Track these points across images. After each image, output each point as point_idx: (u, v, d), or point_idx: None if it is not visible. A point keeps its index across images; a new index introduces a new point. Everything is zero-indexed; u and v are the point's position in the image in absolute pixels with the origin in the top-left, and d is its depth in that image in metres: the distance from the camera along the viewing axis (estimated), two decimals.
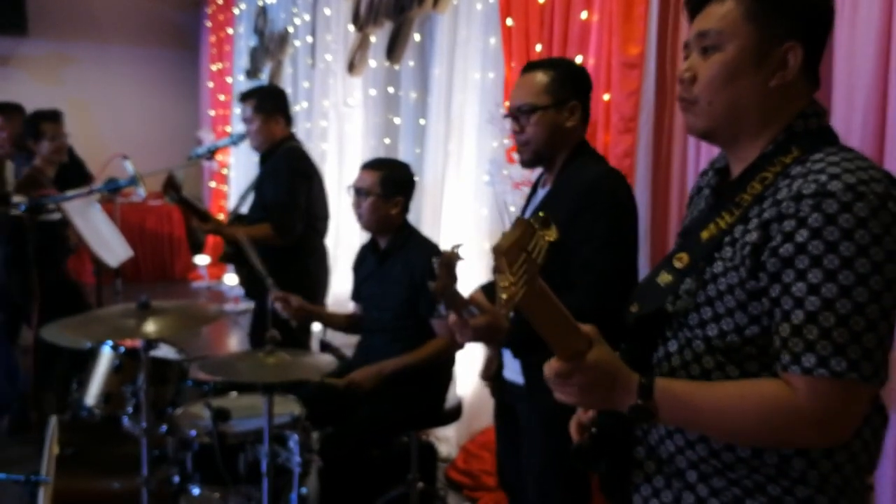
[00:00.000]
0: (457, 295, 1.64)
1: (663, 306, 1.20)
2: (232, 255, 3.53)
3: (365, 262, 2.92)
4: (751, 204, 1.13)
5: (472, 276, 3.49)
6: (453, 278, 1.58)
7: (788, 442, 1.09)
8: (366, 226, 2.79)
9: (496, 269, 0.95)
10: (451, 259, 1.56)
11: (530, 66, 2.07)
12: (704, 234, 1.17)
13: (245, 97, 3.58)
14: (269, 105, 3.51)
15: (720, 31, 1.15)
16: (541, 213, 1.00)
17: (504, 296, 0.93)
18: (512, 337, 1.77)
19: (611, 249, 1.88)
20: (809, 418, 1.04)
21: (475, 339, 1.70)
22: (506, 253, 0.94)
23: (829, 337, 1.01)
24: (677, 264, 1.19)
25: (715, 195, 1.28)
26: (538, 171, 2.99)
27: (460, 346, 2.76)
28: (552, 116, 1.98)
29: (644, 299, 1.24)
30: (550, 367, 1.09)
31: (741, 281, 1.10)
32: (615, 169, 2.11)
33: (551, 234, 0.98)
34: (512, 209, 3.47)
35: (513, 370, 2.04)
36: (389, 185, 2.72)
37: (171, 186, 3.34)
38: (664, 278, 1.20)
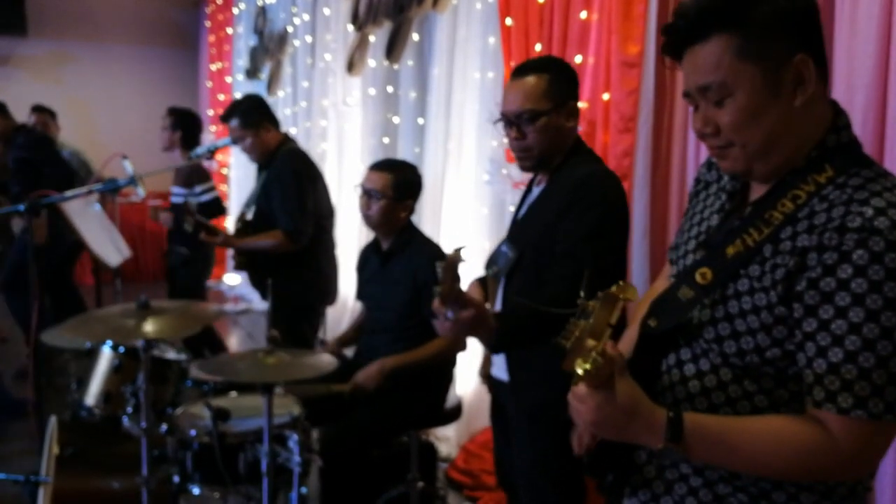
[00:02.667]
0: (458, 294, 1.64)
1: (684, 322, 1.17)
2: (246, 263, 3.54)
3: (368, 263, 2.91)
4: (781, 223, 1.09)
5: (472, 275, 3.49)
6: (457, 280, 1.58)
7: (820, 478, 1.09)
8: (373, 226, 2.78)
9: (580, 348, 1.02)
10: (454, 262, 1.55)
11: (521, 70, 2.01)
12: (730, 251, 1.12)
13: (226, 117, 3.51)
14: (254, 117, 3.46)
15: (722, 82, 1.08)
16: (621, 282, 1.05)
17: (581, 372, 1.00)
18: (496, 337, 1.72)
19: (592, 243, 1.85)
20: (845, 457, 1.04)
21: (461, 332, 1.67)
22: (598, 335, 1.01)
23: (868, 378, 1.00)
24: (700, 280, 1.15)
25: (731, 201, 1.24)
26: None
27: (462, 347, 2.75)
28: (554, 120, 1.95)
29: (663, 314, 1.20)
30: (573, 391, 1.08)
31: (769, 305, 1.07)
32: (609, 169, 2.09)
33: (633, 295, 1.04)
34: (511, 208, 3.47)
35: (499, 367, 2.04)
36: (402, 188, 2.72)
37: (188, 213, 3.44)
38: (685, 293, 1.16)
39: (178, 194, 4.54)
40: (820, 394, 1.03)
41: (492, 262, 2.05)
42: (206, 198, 4.59)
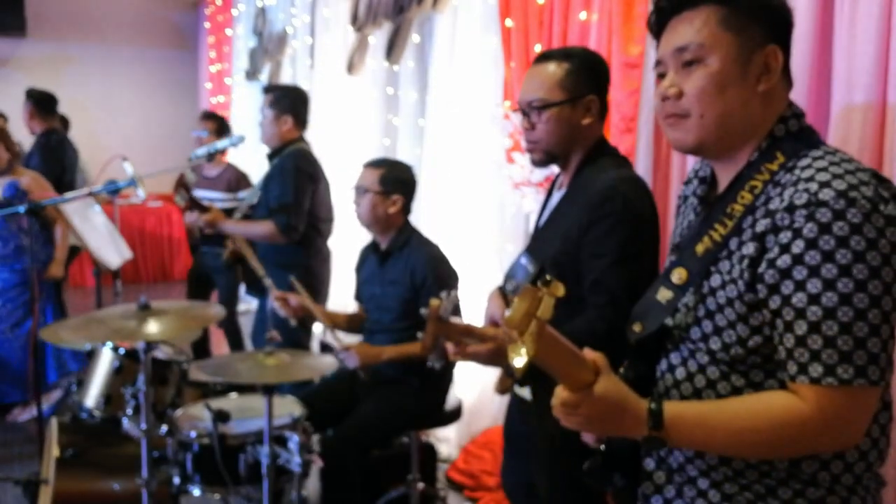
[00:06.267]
0: (451, 330, 1.57)
1: (666, 324, 1.20)
2: (239, 259, 3.55)
3: (366, 263, 2.92)
4: (743, 214, 1.13)
5: (474, 276, 3.49)
6: (446, 323, 1.51)
7: (802, 451, 1.10)
8: (363, 223, 2.79)
9: (509, 339, 1.02)
10: (436, 312, 1.49)
11: (543, 57, 1.86)
12: (699, 248, 1.17)
13: (266, 90, 3.68)
14: (282, 104, 3.56)
15: (700, 43, 1.15)
16: (548, 277, 1.03)
17: (517, 365, 0.99)
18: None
19: (623, 266, 1.70)
20: (822, 426, 1.05)
21: (476, 362, 1.63)
22: (517, 326, 1.00)
23: (834, 345, 1.01)
24: (676, 280, 1.19)
25: (702, 204, 1.28)
26: (537, 172, 3.02)
27: None
28: (566, 113, 1.80)
29: (646, 318, 1.23)
30: (557, 396, 1.10)
31: (740, 294, 1.10)
32: (634, 174, 1.87)
33: (558, 290, 1.02)
34: (511, 210, 3.47)
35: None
36: (388, 182, 2.72)
37: (181, 186, 3.41)
38: (664, 295, 1.20)
39: (222, 200, 4.61)
40: (793, 367, 1.05)
41: (510, 275, 1.89)
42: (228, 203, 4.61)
